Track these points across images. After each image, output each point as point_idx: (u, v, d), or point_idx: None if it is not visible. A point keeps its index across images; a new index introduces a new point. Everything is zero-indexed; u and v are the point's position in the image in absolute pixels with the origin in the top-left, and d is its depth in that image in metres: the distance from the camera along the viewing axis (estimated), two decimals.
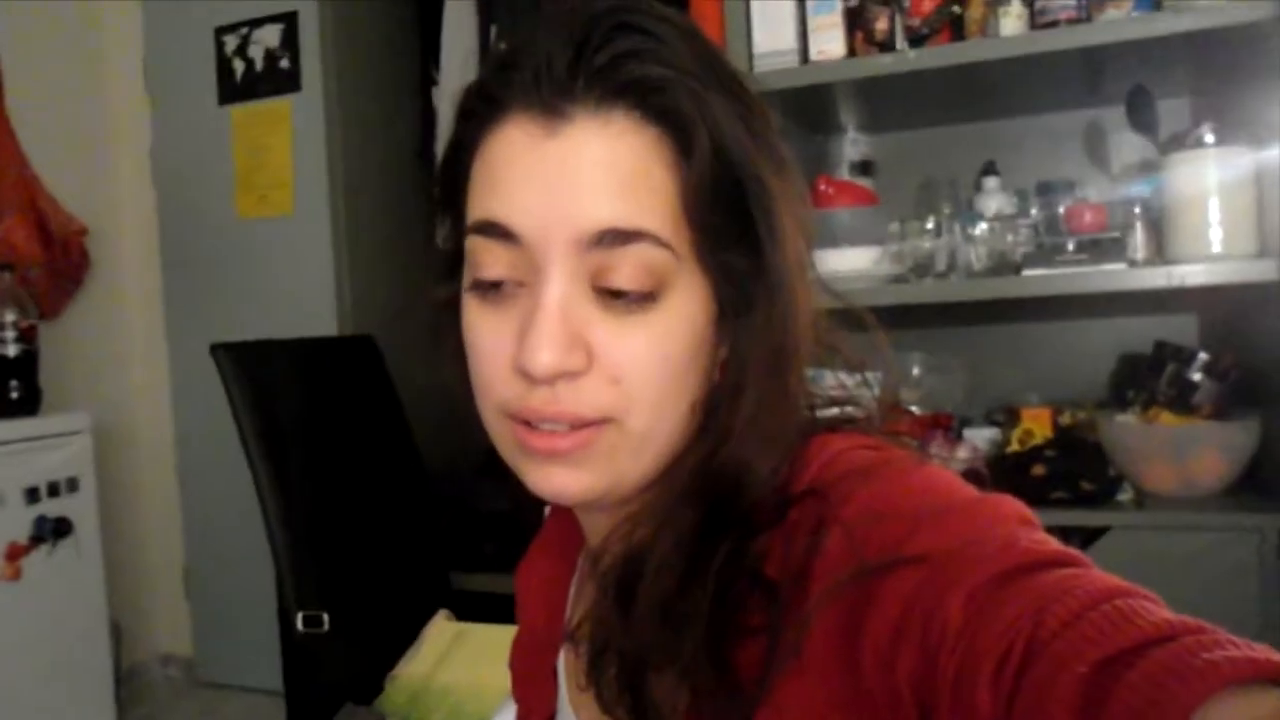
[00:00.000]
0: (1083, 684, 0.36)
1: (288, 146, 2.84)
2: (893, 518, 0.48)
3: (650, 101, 0.53)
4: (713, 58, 0.56)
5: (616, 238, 0.52)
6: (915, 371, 2.09)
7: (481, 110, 0.55)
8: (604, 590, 0.56)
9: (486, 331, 0.55)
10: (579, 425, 0.53)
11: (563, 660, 0.70)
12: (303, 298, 2.78)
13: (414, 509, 1.76)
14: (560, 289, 0.52)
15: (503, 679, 0.80)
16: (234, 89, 2.92)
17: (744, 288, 0.55)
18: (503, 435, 0.56)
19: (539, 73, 0.52)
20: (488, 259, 0.54)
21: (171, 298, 3.08)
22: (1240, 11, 1.53)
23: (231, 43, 2.90)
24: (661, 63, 0.53)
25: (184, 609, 3.16)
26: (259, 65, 2.88)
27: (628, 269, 0.52)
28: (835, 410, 0.60)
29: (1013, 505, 0.48)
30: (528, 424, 0.54)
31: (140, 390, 3.16)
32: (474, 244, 0.55)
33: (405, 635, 1.55)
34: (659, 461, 0.56)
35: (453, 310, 0.63)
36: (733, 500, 0.54)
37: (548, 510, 0.79)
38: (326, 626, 1.46)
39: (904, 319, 1.94)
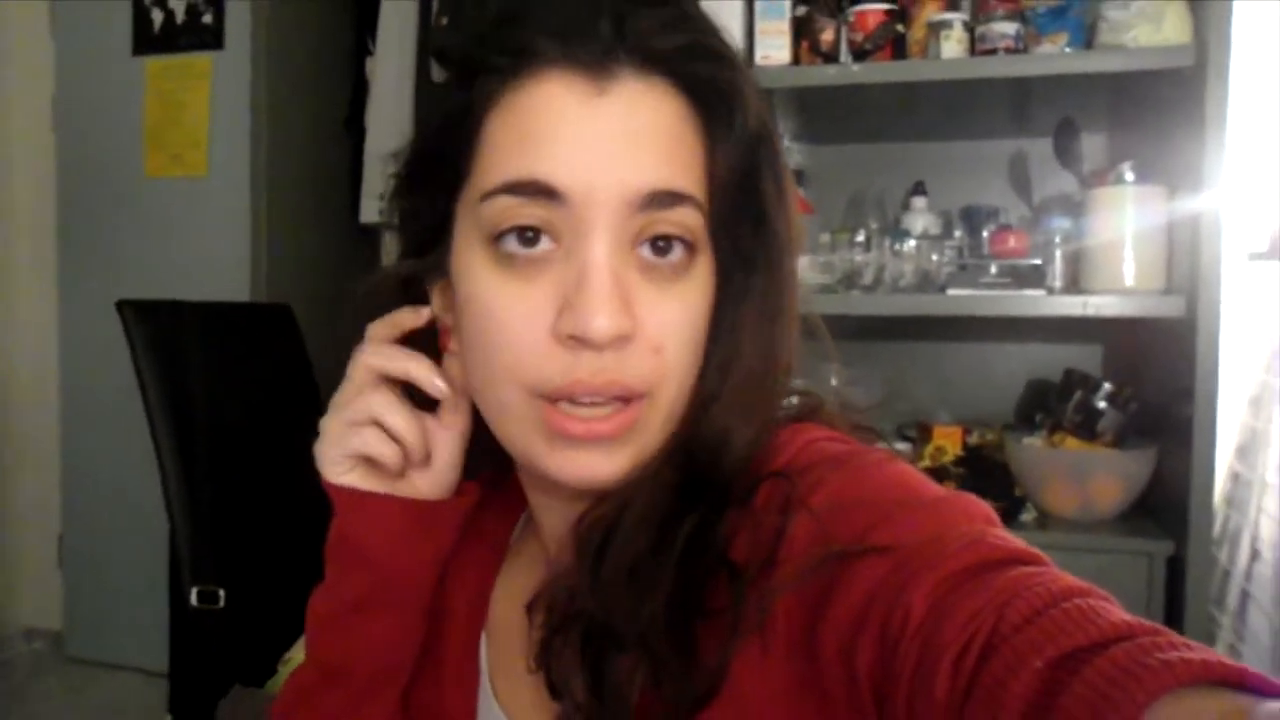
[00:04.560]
0: (1038, 678, 0.37)
1: (205, 105, 2.73)
2: (861, 507, 0.48)
3: (691, 71, 0.52)
4: (729, 40, 0.56)
5: (665, 199, 0.51)
6: (833, 382, 2.12)
7: (503, 65, 0.52)
8: (579, 550, 0.54)
9: (512, 302, 0.52)
10: (624, 398, 0.52)
11: (485, 650, 0.67)
12: (213, 264, 2.67)
13: (318, 490, 1.70)
14: (608, 248, 0.50)
15: None
16: (150, 40, 2.79)
17: (749, 267, 0.55)
18: (524, 418, 0.53)
19: (580, 33, 0.51)
20: (521, 216, 0.51)
21: (66, 252, 2.92)
22: (1165, 57, 1.60)
23: None
24: (701, 34, 0.53)
25: (55, 579, 3.00)
26: (180, 17, 2.75)
27: (671, 229, 0.52)
28: (796, 400, 0.60)
29: (978, 504, 0.49)
30: (566, 402, 0.51)
31: (23, 346, 2.99)
32: (500, 205, 0.51)
33: (301, 618, 1.49)
34: (670, 435, 0.55)
35: (406, 290, 0.61)
36: (710, 466, 0.54)
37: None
38: (222, 604, 1.40)
39: (818, 331, 1.96)
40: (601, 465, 0.53)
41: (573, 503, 0.58)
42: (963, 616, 0.40)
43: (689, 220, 0.52)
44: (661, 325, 0.52)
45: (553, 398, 0.52)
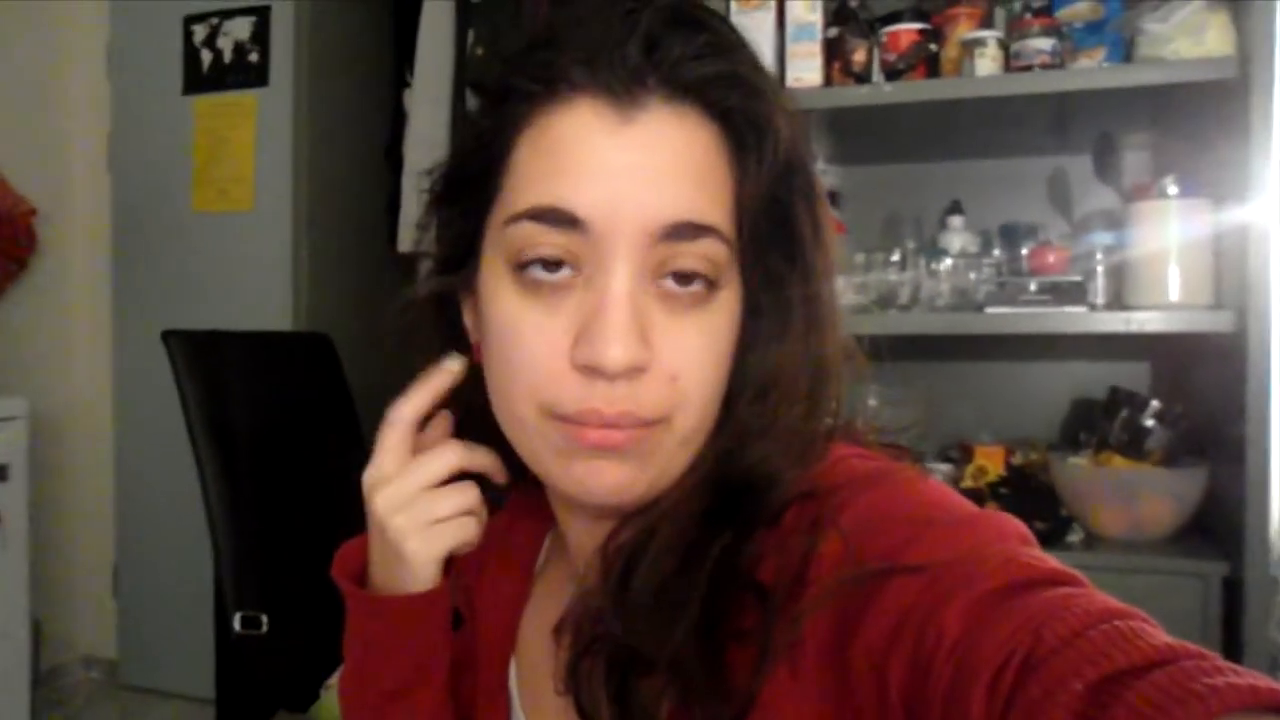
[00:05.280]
0: (1080, 702, 0.35)
1: (251, 141, 2.79)
2: (892, 526, 0.48)
3: (721, 99, 0.52)
4: (763, 65, 0.56)
5: (688, 231, 0.51)
6: (872, 403, 2.10)
7: (533, 90, 0.52)
8: (605, 574, 0.54)
9: (533, 327, 0.52)
10: (637, 426, 0.51)
11: (514, 675, 0.67)
12: (257, 295, 2.73)
13: (362, 514, 1.72)
14: (628, 279, 0.50)
15: None
16: (199, 79, 2.87)
17: (782, 297, 0.55)
18: (543, 434, 0.53)
19: (610, 59, 0.51)
20: (544, 245, 0.51)
21: (120, 286, 3.00)
22: (1206, 69, 1.57)
23: (200, 32, 2.85)
24: (733, 62, 0.52)
25: (110, 609, 3.05)
26: (227, 57, 2.83)
27: (693, 262, 0.51)
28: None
29: (1013, 523, 0.48)
30: (579, 424, 0.52)
31: (80, 379, 3.07)
32: (524, 231, 0.52)
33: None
34: (692, 460, 0.55)
35: (441, 307, 0.62)
36: (752, 500, 0.53)
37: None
38: (265, 629, 1.41)
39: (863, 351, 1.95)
40: (620, 477, 0.52)
41: (598, 522, 0.58)
42: (999, 637, 0.39)
43: (713, 253, 0.52)
44: (677, 354, 0.51)
45: (567, 420, 0.52)
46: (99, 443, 3.05)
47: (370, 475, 0.61)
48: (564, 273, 0.51)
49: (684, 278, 0.51)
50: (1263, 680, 0.34)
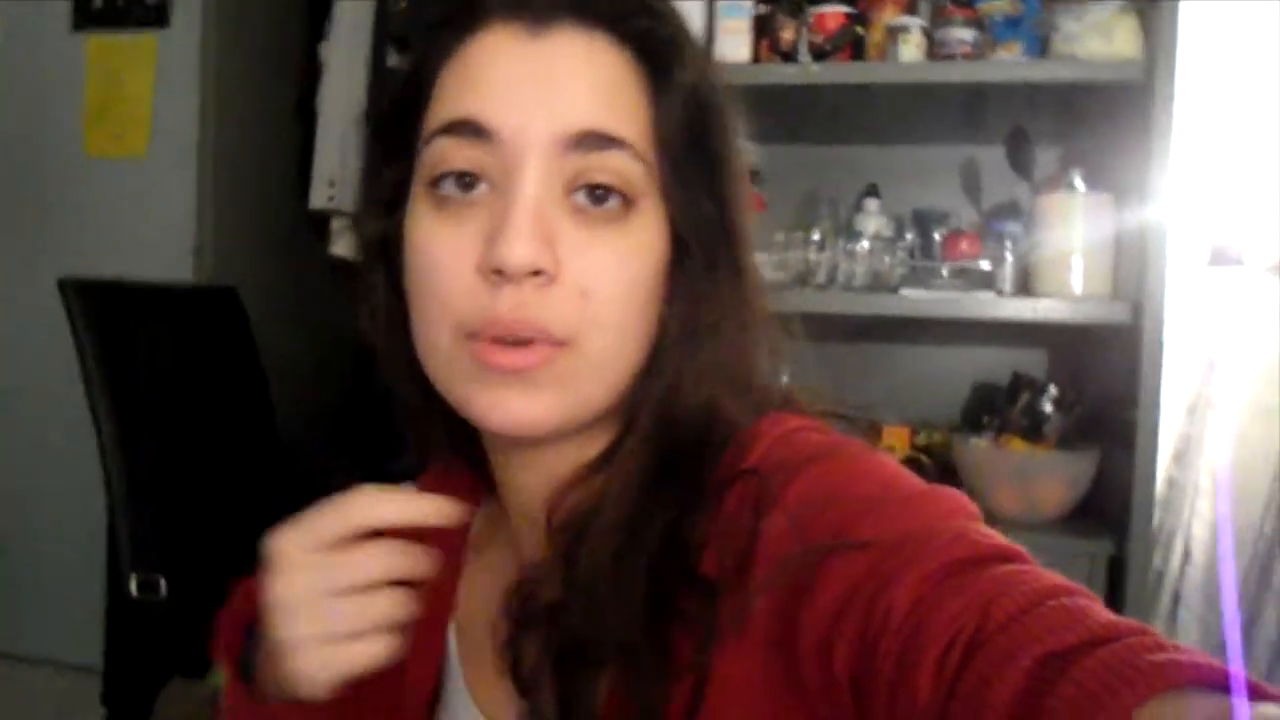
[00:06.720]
0: (1025, 677, 0.36)
1: (149, 85, 2.66)
2: (839, 503, 0.48)
3: (632, 25, 0.53)
4: (674, 5, 0.57)
5: (597, 141, 0.51)
6: (783, 380, 2.13)
7: (457, 20, 0.53)
8: (554, 547, 0.53)
9: (444, 241, 0.52)
10: (547, 343, 0.50)
11: (454, 636, 0.66)
12: (153, 245, 2.59)
13: (264, 477, 1.67)
14: (536, 186, 0.50)
15: None
16: (91, 15, 2.71)
17: (704, 232, 0.55)
18: (456, 359, 0.52)
19: None
20: (456, 159, 0.51)
21: (1, 230, 2.82)
22: (1114, 70, 1.63)
23: None
24: None
25: None
26: None
27: (605, 175, 0.51)
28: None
29: (959, 498, 0.48)
30: (492, 342, 0.50)
31: None
32: (439, 147, 0.52)
33: None
34: (612, 394, 0.54)
35: (381, 252, 0.60)
36: (697, 440, 0.53)
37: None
38: (163, 593, 1.36)
39: (779, 329, 1.98)
40: (527, 405, 0.51)
41: (532, 464, 0.57)
42: (946, 614, 0.40)
43: (625, 168, 0.52)
44: (587, 268, 0.51)
45: (479, 337, 0.51)
46: None
47: (277, 541, 0.50)
48: (478, 190, 0.52)
49: (597, 195, 0.52)
50: (1202, 658, 0.35)
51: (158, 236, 2.60)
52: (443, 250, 0.52)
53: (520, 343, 0.50)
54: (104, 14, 2.70)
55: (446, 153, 0.52)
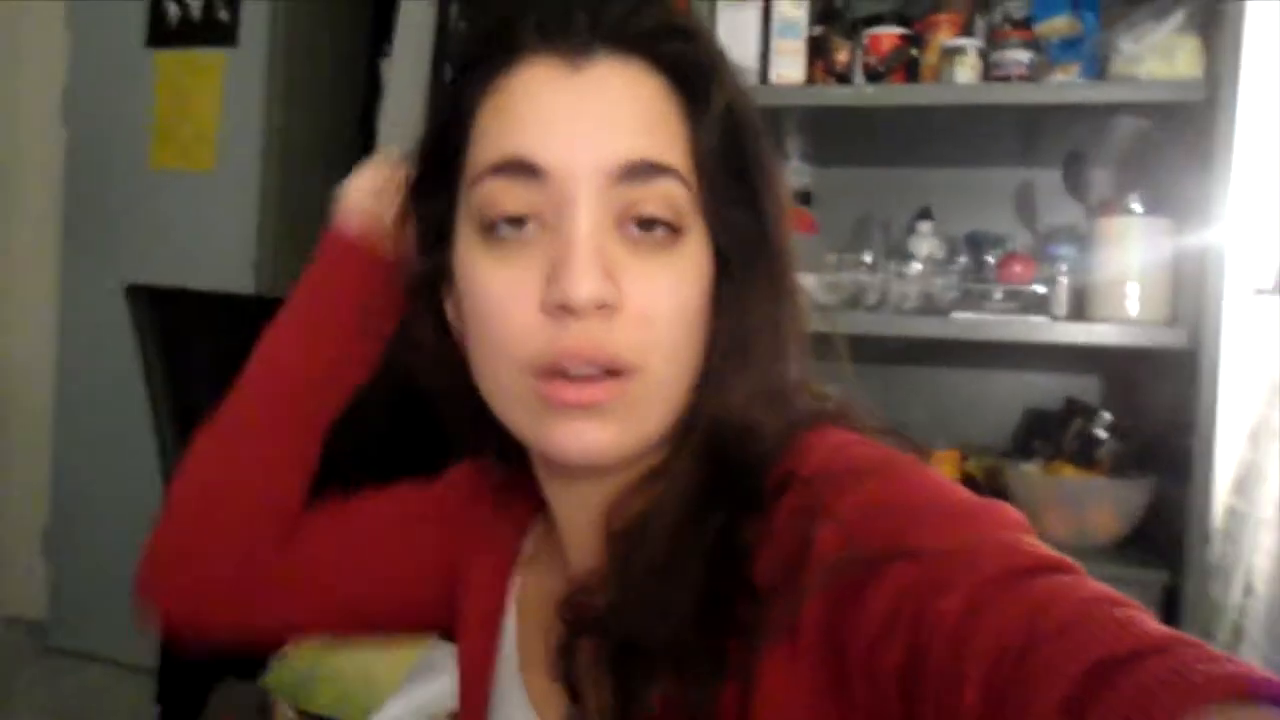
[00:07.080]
0: (1074, 685, 0.36)
1: (217, 101, 2.74)
2: (891, 513, 0.48)
3: (667, 49, 0.54)
4: (704, 25, 0.60)
5: (646, 170, 0.52)
6: (836, 395, 2.12)
7: (493, 56, 0.54)
8: (609, 554, 0.54)
9: (503, 281, 0.53)
10: (614, 371, 0.52)
11: (513, 640, 0.67)
12: (215, 258, 2.67)
13: (315, 480, 1.69)
14: (590, 221, 0.51)
15: (395, 669, 0.77)
16: (164, 34, 2.80)
17: (746, 249, 0.56)
18: (522, 397, 0.54)
19: (558, 24, 0.53)
20: (507, 201, 0.52)
21: (70, 241, 2.91)
22: (1175, 90, 1.61)
23: None
24: (672, 16, 0.55)
25: (40, 570, 2.97)
26: (195, 13, 2.76)
27: (655, 203, 0.52)
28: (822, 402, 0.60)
29: (1011, 511, 0.48)
30: (557, 377, 0.52)
31: (22, 335, 2.98)
32: (488, 189, 0.53)
33: None
34: (672, 414, 0.55)
35: (425, 291, 0.61)
36: (737, 457, 0.54)
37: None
38: None
39: (825, 350, 1.97)
40: (600, 436, 0.53)
41: (588, 487, 0.58)
42: (997, 623, 0.40)
43: (673, 194, 0.53)
44: (648, 295, 0.52)
45: (546, 373, 0.52)
46: (38, 403, 2.96)
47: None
48: (529, 229, 0.52)
49: (647, 224, 0.53)
50: (1255, 670, 0.34)
51: (219, 249, 2.67)
52: (504, 291, 0.52)
53: (588, 377, 0.51)
54: (177, 31, 2.78)
55: (497, 195, 0.52)
